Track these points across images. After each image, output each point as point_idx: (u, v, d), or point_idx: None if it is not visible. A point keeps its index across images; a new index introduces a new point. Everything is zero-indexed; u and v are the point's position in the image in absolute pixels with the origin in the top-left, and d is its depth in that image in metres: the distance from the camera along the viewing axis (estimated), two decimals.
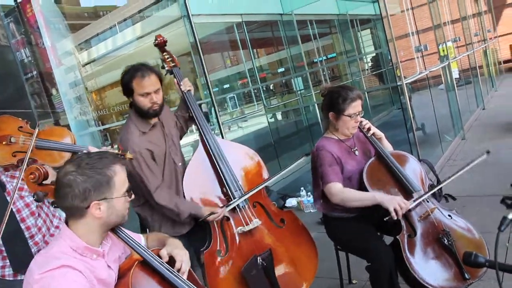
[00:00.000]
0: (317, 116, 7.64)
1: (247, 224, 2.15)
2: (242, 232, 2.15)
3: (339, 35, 10.22)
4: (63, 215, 1.43)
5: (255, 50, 8.67)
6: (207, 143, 2.27)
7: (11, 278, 1.80)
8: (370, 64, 11.38)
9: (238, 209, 2.18)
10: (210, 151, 2.25)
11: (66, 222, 1.32)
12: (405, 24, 7.03)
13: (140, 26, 6.17)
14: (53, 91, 4.52)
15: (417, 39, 7.29)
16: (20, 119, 1.85)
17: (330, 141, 2.31)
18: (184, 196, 2.18)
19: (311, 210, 4.43)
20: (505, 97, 8.88)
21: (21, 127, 1.81)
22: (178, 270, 1.44)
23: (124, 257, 1.48)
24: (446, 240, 1.99)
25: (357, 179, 2.28)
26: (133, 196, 1.40)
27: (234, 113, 8.03)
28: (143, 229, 2.31)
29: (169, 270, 1.39)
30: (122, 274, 1.39)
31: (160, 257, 1.44)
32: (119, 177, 1.32)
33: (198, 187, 2.21)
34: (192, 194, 2.18)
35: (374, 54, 11.27)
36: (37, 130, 1.76)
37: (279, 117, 8.46)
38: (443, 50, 6.53)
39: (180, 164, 2.27)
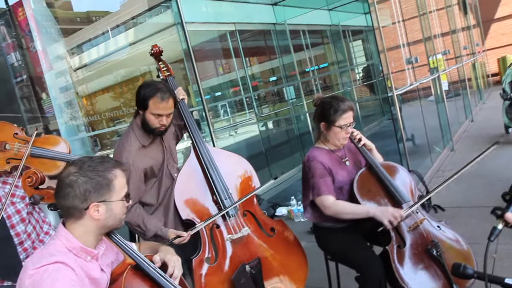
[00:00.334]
0: (308, 126, 7.68)
1: (236, 232, 2.15)
2: (231, 240, 2.14)
3: (331, 46, 10.31)
4: (53, 221, 1.44)
5: (247, 59, 8.69)
6: (198, 151, 2.28)
7: None
8: (361, 74, 11.46)
9: (228, 217, 2.17)
10: (202, 159, 2.26)
11: (63, 223, 1.34)
12: (396, 36, 7.13)
13: (133, 32, 6.15)
14: (43, 96, 4.49)
15: (408, 51, 7.39)
16: (15, 125, 1.83)
17: (321, 152, 2.32)
18: (175, 204, 2.17)
19: (301, 219, 4.43)
20: (492, 110, 9.00)
21: (16, 133, 1.79)
22: (171, 276, 1.45)
23: (116, 264, 1.49)
24: (435, 251, 2.00)
25: (347, 189, 2.29)
26: (131, 202, 1.42)
27: (225, 121, 8.03)
28: (132, 238, 2.29)
29: (161, 275, 1.41)
30: (115, 278, 1.40)
31: (153, 262, 1.45)
32: (119, 181, 1.35)
33: (189, 195, 2.21)
34: (183, 202, 2.17)
35: (365, 65, 11.37)
36: (33, 137, 1.75)
37: (270, 125, 8.46)
38: (433, 62, 6.63)
39: (176, 175, 2.28)
